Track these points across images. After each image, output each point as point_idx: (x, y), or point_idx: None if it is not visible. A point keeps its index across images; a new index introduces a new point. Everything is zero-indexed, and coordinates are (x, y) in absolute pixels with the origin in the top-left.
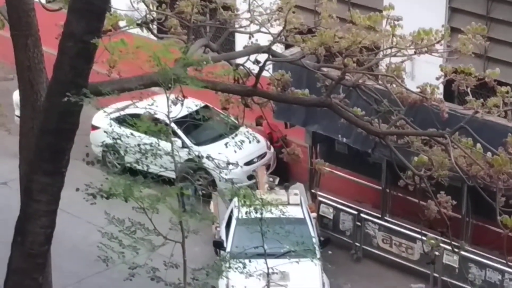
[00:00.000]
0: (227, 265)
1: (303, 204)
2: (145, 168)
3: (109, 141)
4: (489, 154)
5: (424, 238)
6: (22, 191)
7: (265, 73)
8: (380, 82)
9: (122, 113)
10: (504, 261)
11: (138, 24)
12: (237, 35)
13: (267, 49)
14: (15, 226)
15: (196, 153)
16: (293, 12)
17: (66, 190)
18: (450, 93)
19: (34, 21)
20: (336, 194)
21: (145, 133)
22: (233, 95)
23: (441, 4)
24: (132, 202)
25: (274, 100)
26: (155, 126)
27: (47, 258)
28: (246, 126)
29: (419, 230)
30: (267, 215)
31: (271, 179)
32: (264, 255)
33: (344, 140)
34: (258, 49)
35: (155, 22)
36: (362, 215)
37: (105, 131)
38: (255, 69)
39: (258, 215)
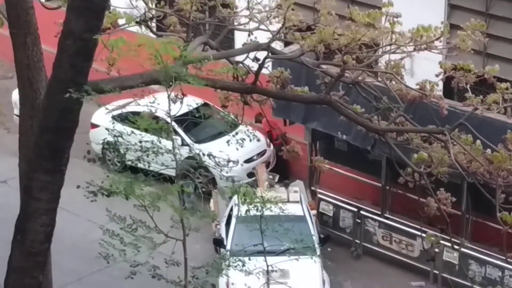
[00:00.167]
0: (227, 263)
1: (303, 201)
2: (146, 166)
3: (109, 139)
4: (488, 150)
5: (424, 235)
6: (22, 189)
7: (264, 71)
8: (379, 79)
9: (122, 110)
10: (504, 258)
11: (137, 22)
12: (236, 33)
13: (266, 47)
14: (15, 224)
15: (197, 151)
16: (292, 10)
17: (66, 188)
18: (450, 90)
19: (33, 20)
20: (336, 191)
21: (146, 131)
22: (232, 93)
23: (440, 1)
24: (132, 200)
25: (274, 97)
26: (156, 124)
27: (47, 256)
28: (246, 125)
29: (419, 227)
30: (267, 212)
31: (270, 177)
32: (264, 253)
33: (344, 137)
34: (257, 47)
35: (154, 20)
36: (362, 212)
37: (106, 129)
38: (254, 66)
39: (258, 213)
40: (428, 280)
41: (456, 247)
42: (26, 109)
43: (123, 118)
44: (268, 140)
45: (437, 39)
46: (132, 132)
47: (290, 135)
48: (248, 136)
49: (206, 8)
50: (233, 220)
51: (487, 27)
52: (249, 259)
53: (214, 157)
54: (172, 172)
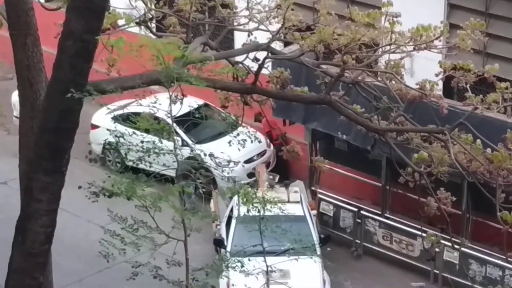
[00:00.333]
0: (226, 264)
1: (303, 201)
2: (147, 167)
3: (110, 139)
4: (488, 150)
5: (424, 234)
6: (22, 190)
7: (264, 71)
8: (379, 78)
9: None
10: (504, 257)
11: (137, 23)
12: (236, 33)
13: (266, 47)
14: (15, 225)
15: (198, 152)
16: (292, 10)
17: (66, 189)
18: (450, 89)
19: (33, 21)
20: (336, 192)
21: (147, 131)
22: (232, 93)
23: (439, 0)
24: (133, 201)
25: (274, 97)
26: (157, 125)
27: (48, 257)
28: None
29: (419, 227)
30: (267, 213)
31: (271, 177)
32: (263, 253)
33: (344, 137)
34: (257, 47)
35: (153, 21)
36: (362, 212)
37: (107, 129)
38: (254, 66)
39: (259, 213)
40: (428, 280)
41: (456, 246)
42: (26, 110)
43: (124, 119)
44: (268, 141)
45: (436, 38)
46: (134, 133)
47: (290, 135)
48: (249, 137)
49: (205, 8)
50: (233, 221)
51: (486, 27)
52: (249, 259)
53: (215, 157)
54: (172, 173)
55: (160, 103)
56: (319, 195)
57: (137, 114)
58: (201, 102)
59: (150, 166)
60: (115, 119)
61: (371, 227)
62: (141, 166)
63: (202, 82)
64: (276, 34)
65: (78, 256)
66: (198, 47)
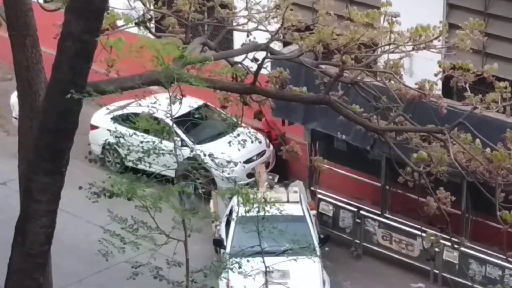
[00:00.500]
0: (225, 266)
1: (303, 201)
2: (147, 167)
3: (110, 140)
4: (488, 149)
5: (424, 234)
6: (21, 191)
7: (263, 71)
8: (378, 78)
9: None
10: (504, 257)
11: (136, 23)
12: (235, 33)
13: (265, 47)
14: (15, 226)
15: (198, 152)
16: (291, 10)
17: (66, 189)
18: (449, 89)
19: (32, 21)
20: (336, 192)
21: (146, 131)
22: (231, 93)
23: (438, 0)
24: (133, 201)
25: (273, 97)
26: (157, 125)
27: (48, 258)
28: (248, 127)
29: (419, 227)
30: (267, 213)
31: (270, 177)
32: (262, 254)
33: (343, 137)
34: (256, 47)
35: (152, 21)
36: (361, 212)
37: (108, 130)
38: (253, 67)
39: (258, 214)
40: (428, 279)
41: (456, 246)
42: (25, 110)
43: (123, 119)
44: (267, 141)
45: (435, 38)
46: (134, 133)
47: (289, 135)
48: (250, 137)
49: (204, 8)
50: (233, 221)
51: (485, 27)
52: (248, 261)
53: (214, 158)
54: (172, 173)
55: (159, 104)
56: (319, 195)
57: (136, 114)
58: (201, 102)
59: (149, 167)
60: (114, 119)
61: (371, 227)
62: (141, 166)
63: (202, 82)
64: (275, 34)
65: (77, 257)
66: (197, 48)
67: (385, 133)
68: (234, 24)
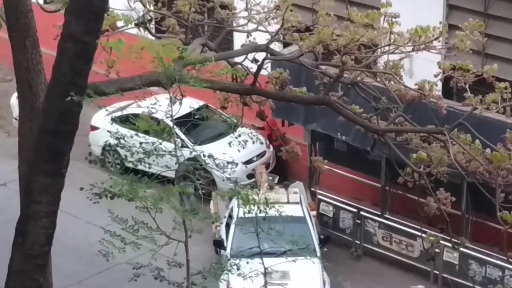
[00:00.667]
0: (224, 268)
1: (303, 202)
2: (147, 168)
3: (111, 141)
4: (488, 150)
5: (424, 235)
6: (22, 192)
7: (263, 72)
8: (378, 79)
9: (122, 112)
10: (504, 258)
11: (135, 24)
12: (235, 34)
13: (265, 48)
14: (15, 227)
15: (199, 153)
16: (291, 11)
17: (66, 190)
18: (449, 89)
19: (32, 22)
20: (336, 192)
21: (146, 132)
22: (231, 94)
23: (438, 1)
24: (135, 202)
25: (273, 98)
26: (158, 126)
27: (48, 259)
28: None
29: (419, 228)
30: (267, 214)
31: (270, 178)
32: (261, 254)
33: (343, 138)
34: (256, 48)
35: (152, 22)
36: (362, 213)
37: (108, 131)
38: (253, 67)
39: (258, 214)
40: (428, 280)
41: (456, 247)
42: (25, 112)
43: (122, 120)
44: (267, 141)
45: (435, 39)
46: (136, 134)
47: (289, 136)
48: (251, 138)
49: (204, 9)
50: (233, 222)
51: (485, 27)
52: (247, 262)
53: (214, 158)
54: (171, 174)
55: (159, 105)
56: (319, 196)
57: (136, 115)
58: (202, 103)
59: (149, 168)
60: (114, 120)
61: (371, 228)
62: (140, 167)
63: (201, 83)
64: (275, 35)
65: (78, 258)
66: (197, 48)
67: (385, 133)
68: (234, 25)
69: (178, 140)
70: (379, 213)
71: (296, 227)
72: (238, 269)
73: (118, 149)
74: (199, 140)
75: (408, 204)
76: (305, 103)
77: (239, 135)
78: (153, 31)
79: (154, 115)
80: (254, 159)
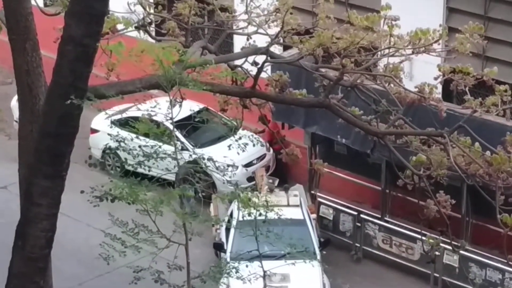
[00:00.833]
0: (224, 271)
1: (303, 205)
2: (147, 171)
3: (111, 144)
4: (488, 153)
5: (424, 238)
6: (22, 195)
7: (263, 74)
8: (378, 82)
9: (122, 115)
10: (504, 260)
11: (136, 27)
12: (235, 37)
13: (265, 51)
14: (15, 230)
15: (199, 155)
16: (291, 13)
17: (66, 193)
18: (449, 92)
19: (32, 25)
20: (336, 195)
21: (147, 135)
22: (231, 97)
23: (438, 4)
24: (136, 205)
25: (273, 101)
26: (158, 129)
27: (48, 261)
28: (251, 130)
29: (419, 230)
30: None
31: (270, 181)
32: (260, 257)
33: (343, 141)
34: (256, 51)
35: (152, 25)
36: (362, 215)
37: (108, 134)
38: (253, 70)
39: (258, 217)
40: (428, 283)
41: (456, 249)
42: (25, 114)
43: (122, 123)
44: (267, 144)
45: (435, 42)
46: (136, 137)
47: (289, 139)
48: (252, 141)
49: (204, 12)
50: (233, 225)
51: (485, 30)
52: (246, 266)
53: (214, 161)
54: (172, 177)
55: (159, 107)
56: (319, 199)
57: (136, 118)
58: (202, 106)
59: (149, 170)
60: (114, 123)
61: (371, 231)
62: (141, 170)
63: (201, 86)
64: (275, 38)
65: (78, 261)
66: (197, 51)
67: (385, 136)
68: (234, 27)
69: (178, 143)
70: (379, 216)
71: (296, 230)
72: (237, 272)
73: (118, 152)
74: (199, 143)
75: (408, 207)
76: (305, 105)
77: (239, 138)
78: (153, 34)
79: (154, 118)
80: (254, 162)
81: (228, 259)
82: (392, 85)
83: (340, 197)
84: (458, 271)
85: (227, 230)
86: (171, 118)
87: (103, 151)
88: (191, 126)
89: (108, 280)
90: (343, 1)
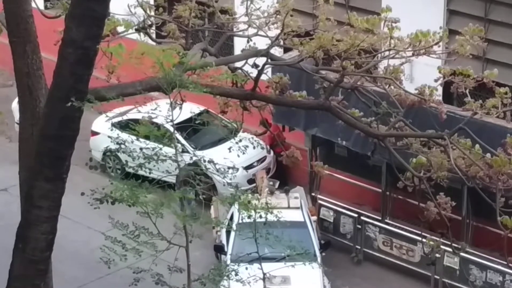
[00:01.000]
0: (223, 274)
1: (304, 207)
2: (147, 173)
3: (111, 146)
4: (488, 155)
5: (424, 240)
6: (22, 197)
7: (263, 77)
8: (378, 84)
9: (123, 118)
10: (504, 262)
11: (136, 29)
12: (235, 39)
13: (266, 53)
14: (16, 232)
15: (199, 158)
16: (291, 16)
17: (66, 196)
18: (449, 94)
19: (33, 28)
20: (336, 197)
21: (148, 138)
22: (231, 99)
23: (439, 6)
24: (136, 207)
25: (273, 103)
26: (158, 131)
27: (49, 264)
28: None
29: (420, 232)
30: (268, 218)
31: (271, 183)
32: (259, 260)
33: (344, 143)
34: (257, 53)
35: (153, 27)
36: (362, 218)
37: (109, 136)
38: (253, 72)
39: (258, 219)
40: (429, 285)
41: (456, 251)
42: (26, 117)
43: (123, 125)
44: (268, 146)
45: (435, 44)
46: (137, 139)
47: (290, 141)
48: (252, 143)
49: (205, 14)
50: (234, 227)
51: (486, 32)
52: (246, 268)
53: (215, 164)
54: (172, 179)
55: (160, 110)
56: (319, 201)
57: (136, 121)
58: (202, 108)
59: (150, 173)
60: (114, 125)
61: (371, 233)
62: (141, 172)
63: (201, 88)
64: (275, 40)
65: (78, 263)
66: (198, 53)
67: (386, 138)
68: (234, 30)
69: (179, 145)
70: (380, 218)
71: (297, 232)
72: (236, 274)
73: (119, 154)
74: (199, 145)
75: (408, 209)
76: (305, 108)
77: (240, 140)
78: (154, 36)
79: (154, 120)
80: (255, 164)
81: (229, 261)
82: (392, 87)
83: (340, 199)
84: (459, 273)
85: (228, 232)
86: (172, 120)
87: (104, 153)
88: (191, 128)
89: (108, 282)
90: (343, 3)
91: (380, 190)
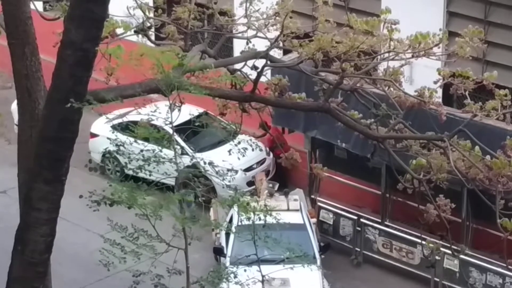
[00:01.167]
0: (221, 276)
1: (303, 209)
2: (147, 175)
3: (110, 148)
4: (488, 157)
5: (424, 242)
6: (21, 199)
7: (262, 78)
8: (378, 86)
9: (123, 120)
10: (504, 265)
11: (135, 31)
12: (234, 41)
13: (265, 55)
14: (15, 234)
15: (199, 160)
16: (290, 17)
17: (65, 198)
18: (449, 96)
19: (32, 30)
20: (336, 200)
21: (147, 140)
22: (230, 101)
23: (439, 8)
24: (134, 209)
25: (272, 105)
26: (158, 133)
27: (48, 266)
28: (250, 135)
29: (419, 235)
30: (267, 220)
31: (270, 185)
32: (258, 262)
33: (343, 145)
34: (256, 55)
35: (152, 29)
36: (362, 220)
37: (108, 138)
38: (252, 74)
39: (257, 221)
40: (428, 287)
41: (456, 254)
42: (25, 119)
43: (122, 127)
44: (267, 149)
45: (435, 46)
46: (135, 141)
47: (289, 143)
48: (251, 145)
49: (204, 16)
50: (233, 229)
51: (485, 34)
52: (244, 270)
53: (214, 166)
54: (171, 181)
55: (159, 112)
56: (319, 203)
57: (135, 123)
58: (201, 110)
59: (149, 175)
60: (114, 127)
61: (371, 235)
62: (140, 174)
63: (201, 90)
64: (274, 42)
65: (78, 265)
66: (197, 55)
67: (385, 140)
68: (234, 31)
69: (178, 147)
70: (379, 220)
71: (296, 234)
72: (235, 277)
73: (118, 156)
74: (199, 147)
75: (408, 211)
76: (304, 109)
77: (239, 143)
78: (153, 38)
79: (153, 122)
80: (254, 166)
81: (228, 264)
82: (392, 89)
83: (340, 202)
84: (458, 276)
85: (227, 234)
86: (171, 123)
87: (103, 155)
88: (190, 131)
89: (108, 284)
90: (342, 5)
91: (379, 192)
